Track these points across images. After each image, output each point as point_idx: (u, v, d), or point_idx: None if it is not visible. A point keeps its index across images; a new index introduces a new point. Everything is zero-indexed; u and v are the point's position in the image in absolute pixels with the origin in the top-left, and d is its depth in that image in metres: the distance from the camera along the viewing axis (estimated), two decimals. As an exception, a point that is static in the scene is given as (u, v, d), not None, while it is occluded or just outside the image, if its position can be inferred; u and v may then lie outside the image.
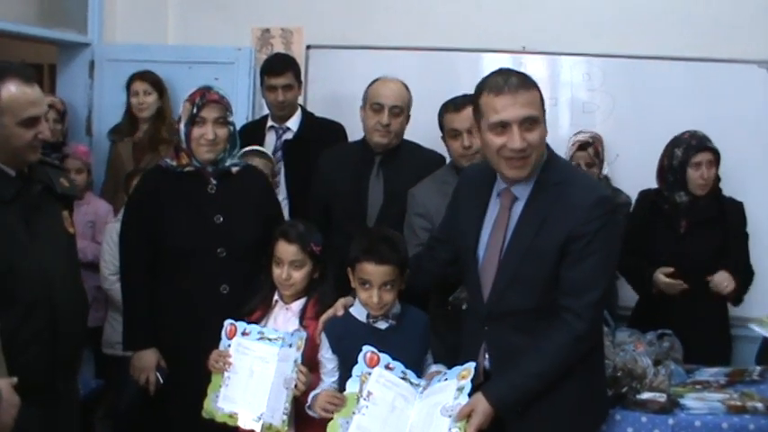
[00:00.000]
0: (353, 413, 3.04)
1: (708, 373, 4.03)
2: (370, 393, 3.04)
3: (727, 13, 5.37)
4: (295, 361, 3.20)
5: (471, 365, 2.99)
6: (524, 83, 2.89)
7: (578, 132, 5.07)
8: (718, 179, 4.52)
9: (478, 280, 3.09)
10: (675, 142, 4.50)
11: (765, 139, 5.32)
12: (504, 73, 2.94)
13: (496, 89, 2.88)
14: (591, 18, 5.48)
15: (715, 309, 4.53)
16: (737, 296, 4.46)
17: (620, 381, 3.62)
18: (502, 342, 3.08)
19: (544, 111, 2.94)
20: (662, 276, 4.37)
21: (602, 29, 5.46)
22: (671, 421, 3.47)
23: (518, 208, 3.00)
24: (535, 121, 2.88)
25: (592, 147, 4.91)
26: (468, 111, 3.27)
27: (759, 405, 3.55)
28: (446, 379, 3.03)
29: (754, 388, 3.82)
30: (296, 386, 3.17)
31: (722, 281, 4.35)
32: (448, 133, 4.02)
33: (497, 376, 2.99)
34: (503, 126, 2.86)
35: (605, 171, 5.06)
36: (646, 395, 3.56)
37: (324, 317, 3.25)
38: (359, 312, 3.23)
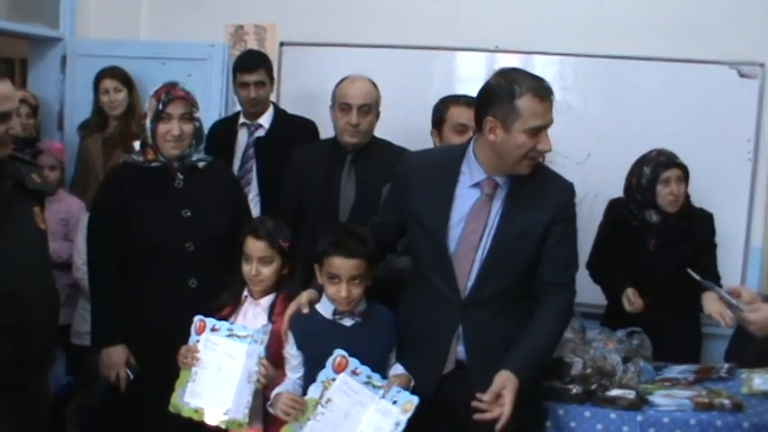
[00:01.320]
0: (309, 419, 3.09)
1: (676, 371, 4.08)
2: (329, 400, 3.10)
3: (698, 14, 5.41)
4: (258, 355, 3.21)
5: (415, 400, 3.05)
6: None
7: None
8: (687, 195, 4.52)
9: (452, 268, 3.16)
10: (643, 161, 4.50)
11: (734, 138, 5.38)
12: (537, 78, 3.09)
13: (541, 95, 3.02)
14: (564, 18, 5.51)
15: (685, 307, 4.55)
16: None
17: (590, 378, 3.65)
18: (479, 328, 3.18)
19: None
20: (626, 299, 4.39)
21: (575, 29, 5.48)
22: (639, 418, 3.50)
23: (500, 194, 3.17)
24: None
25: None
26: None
27: (726, 402, 3.59)
28: (394, 402, 3.07)
29: (722, 385, 3.89)
30: (258, 380, 3.19)
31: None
32: (454, 128, 4.12)
33: (514, 352, 3.10)
34: (539, 130, 3.02)
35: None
36: (615, 392, 3.60)
37: (288, 312, 3.26)
38: (325, 309, 3.23)
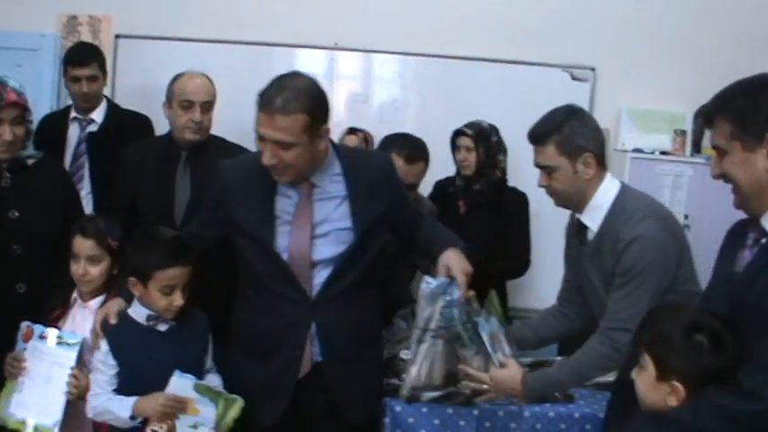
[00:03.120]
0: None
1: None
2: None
3: (535, 19, 5.57)
4: (70, 365, 3.13)
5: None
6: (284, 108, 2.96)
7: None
8: (495, 170, 4.79)
9: (290, 272, 3.14)
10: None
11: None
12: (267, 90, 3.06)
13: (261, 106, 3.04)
14: (404, 17, 5.55)
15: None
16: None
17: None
18: (332, 325, 3.19)
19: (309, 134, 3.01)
20: None
21: (414, 28, 5.53)
22: (476, 412, 3.55)
23: (319, 194, 3.17)
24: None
25: (361, 133, 5.08)
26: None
27: (558, 394, 3.69)
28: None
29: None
30: (69, 391, 3.11)
31: None
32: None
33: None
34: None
35: None
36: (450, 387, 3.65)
37: (98, 320, 3.16)
38: (138, 314, 3.15)
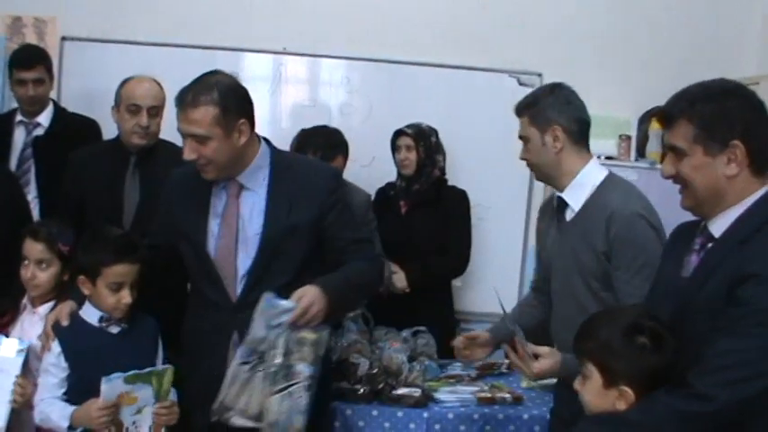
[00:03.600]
0: None
1: (460, 368, 4.22)
2: None
3: (482, 25, 5.62)
4: (15, 374, 3.09)
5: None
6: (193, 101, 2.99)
7: None
8: (434, 168, 4.83)
9: (217, 274, 3.14)
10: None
11: (514, 143, 5.48)
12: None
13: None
14: (352, 22, 5.55)
15: (438, 305, 4.84)
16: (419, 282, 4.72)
17: (377, 377, 3.74)
18: None
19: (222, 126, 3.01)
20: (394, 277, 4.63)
21: (362, 33, 5.54)
22: (426, 414, 3.62)
23: (247, 196, 3.16)
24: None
25: None
26: None
27: (507, 396, 3.79)
28: None
29: (502, 380, 4.09)
30: (14, 399, 3.06)
31: (397, 280, 4.65)
32: None
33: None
34: None
35: None
36: (401, 390, 3.71)
37: (50, 321, 3.14)
38: (90, 316, 3.14)
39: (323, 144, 4.51)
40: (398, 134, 4.86)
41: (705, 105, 2.33)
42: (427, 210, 4.80)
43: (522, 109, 3.28)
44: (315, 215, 3.15)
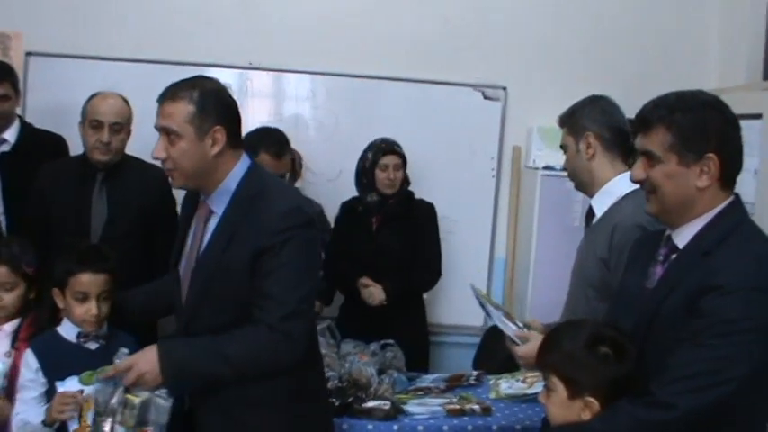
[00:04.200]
0: None
1: (429, 380, 4.25)
2: None
3: (447, 39, 5.65)
4: None
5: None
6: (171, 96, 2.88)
7: None
8: (407, 182, 4.86)
9: (179, 291, 3.03)
10: (368, 147, 4.83)
11: (479, 156, 5.69)
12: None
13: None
14: (317, 37, 5.56)
15: (411, 318, 4.86)
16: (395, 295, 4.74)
17: (346, 391, 3.75)
18: None
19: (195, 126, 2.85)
20: (363, 284, 4.67)
21: (327, 48, 5.55)
22: (395, 427, 3.63)
23: (213, 222, 2.93)
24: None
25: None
26: None
27: (476, 407, 3.79)
28: None
29: (471, 391, 4.08)
30: None
31: (370, 294, 4.67)
32: None
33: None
34: None
35: (297, 184, 5.13)
36: (371, 403, 3.71)
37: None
38: (68, 332, 3.13)
39: (274, 142, 4.45)
40: (386, 152, 4.78)
41: (684, 115, 2.36)
42: (398, 224, 4.80)
43: (563, 119, 3.43)
44: (249, 256, 2.80)
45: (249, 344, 2.80)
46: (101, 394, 2.82)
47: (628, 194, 3.15)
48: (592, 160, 3.30)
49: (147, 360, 2.78)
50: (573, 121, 3.38)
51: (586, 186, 3.37)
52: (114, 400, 2.79)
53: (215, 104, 2.87)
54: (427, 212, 4.92)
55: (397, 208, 4.81)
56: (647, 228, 2.95)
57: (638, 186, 2.90)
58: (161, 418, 2.83)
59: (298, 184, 5.13)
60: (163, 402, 2.83)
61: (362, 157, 4.84)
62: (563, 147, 3.42)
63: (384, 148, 4.79)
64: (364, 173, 4.82)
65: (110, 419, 2.81)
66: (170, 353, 2.80)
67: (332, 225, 5.04)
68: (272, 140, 4.43)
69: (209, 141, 2.84)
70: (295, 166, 5.07)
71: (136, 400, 2.80)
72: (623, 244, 2.99)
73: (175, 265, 3.07)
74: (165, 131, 2.85)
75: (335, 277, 4.87)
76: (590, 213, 3.36)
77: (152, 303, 3.28)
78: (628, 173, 3.02)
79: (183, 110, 2.83)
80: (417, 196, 4.96)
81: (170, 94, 2.87)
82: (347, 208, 5.00)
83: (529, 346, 2.89)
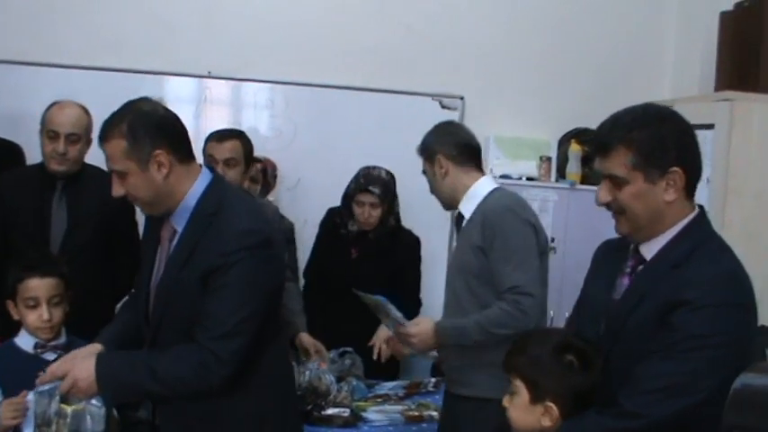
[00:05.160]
0: None
1: (387, 387, 4.29)
2: None
3: (405, 49, 5.71)
4: None
5: None
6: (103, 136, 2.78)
7: None
8: (391, 216, 4.71)
9: (147, 308, 2.93)
10: (359, 172, 4.69)
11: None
12: None
13: None
14: (276, 46, 5.59)
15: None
16: None
17: (306, 398, 3.77)
18: None
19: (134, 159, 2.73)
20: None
21: (286, 57, 5.58)
22: (362, 433, 3.64)
23: (176, 240, 2.84)
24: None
25: (259, 162, 4.92)
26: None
27: (434, 413, 3.84)
28: None
29: (429, 398, 4.13)
30: None
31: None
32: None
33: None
34: None
35: (271, 197, 5.14)
36: (330, 411, 3.76)
37: None
38: (25, 343, 3.12)
39: (218, 131, 4.40)
40: (361, 190, 4.59)
41: (642, 131, 2.34)
42: (379, 258, 4.67)
43: (419, 151, 3.73)
44: (201, 274, 2.71)
45: (176, 361, 2.71)
46: (38, 405, 2.78)
47: (491, 192, 3.54)
48: (446, 177, 3.60)
49: (84, 368, 2.71)
50: (425, 149, 3.69)
51: (450, 200, 3.66)
52: (51, 410, 2.75)
53: (146, 130, 2.73)
54: (411, 246, 4.82)
55: (379, 243, 4.69)
56: (517, 210, 3.46)
57: (498, 186, 3.51)
58: (96, 427, 2.80)
59: (271, 197, 5.15)
60: (96, 411, 2.80)
61: (349, 183, 4.70)
62: (424, 173, 3.72)
63: (362, 184, 4.61)
64: (347, 199, 4.69)
65: (47, 430, 2.78)
66: (107, 363, 2.74)
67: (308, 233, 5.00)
68: (217, 131, 4.40)
69: (155, 167, 2.73)
70: (267, 176, 5.06)
71: (68, 409, 2.76)
72: (493, 225, 3.40)
73: (148, 282, 2.94)
74: (113, 172, 2.77)
75: (310, 293, 4.79)
76: (459, 219, 3.61)
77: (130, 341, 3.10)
78: (486, 177, 3.66)
79: (117, 147, 2.72)
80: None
81: (103, 135, 2.77)
82: (331, 222, 4.83)
83: (421, 326, 3.48)
